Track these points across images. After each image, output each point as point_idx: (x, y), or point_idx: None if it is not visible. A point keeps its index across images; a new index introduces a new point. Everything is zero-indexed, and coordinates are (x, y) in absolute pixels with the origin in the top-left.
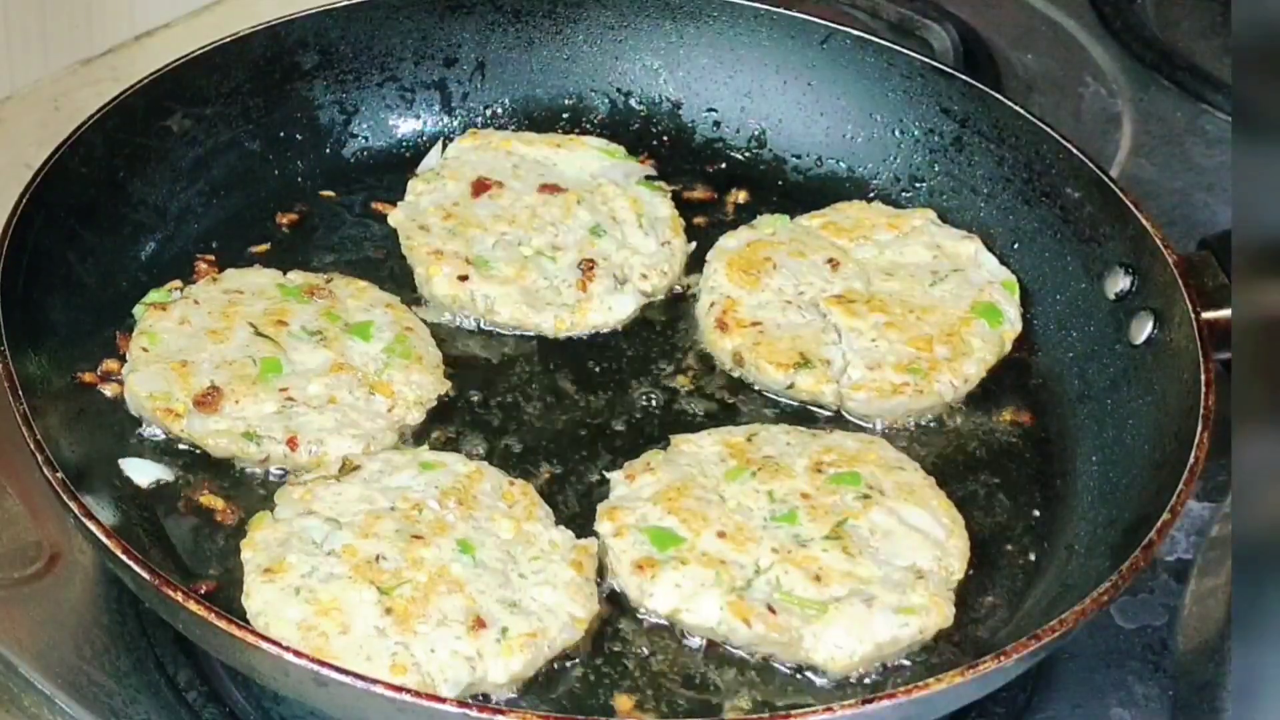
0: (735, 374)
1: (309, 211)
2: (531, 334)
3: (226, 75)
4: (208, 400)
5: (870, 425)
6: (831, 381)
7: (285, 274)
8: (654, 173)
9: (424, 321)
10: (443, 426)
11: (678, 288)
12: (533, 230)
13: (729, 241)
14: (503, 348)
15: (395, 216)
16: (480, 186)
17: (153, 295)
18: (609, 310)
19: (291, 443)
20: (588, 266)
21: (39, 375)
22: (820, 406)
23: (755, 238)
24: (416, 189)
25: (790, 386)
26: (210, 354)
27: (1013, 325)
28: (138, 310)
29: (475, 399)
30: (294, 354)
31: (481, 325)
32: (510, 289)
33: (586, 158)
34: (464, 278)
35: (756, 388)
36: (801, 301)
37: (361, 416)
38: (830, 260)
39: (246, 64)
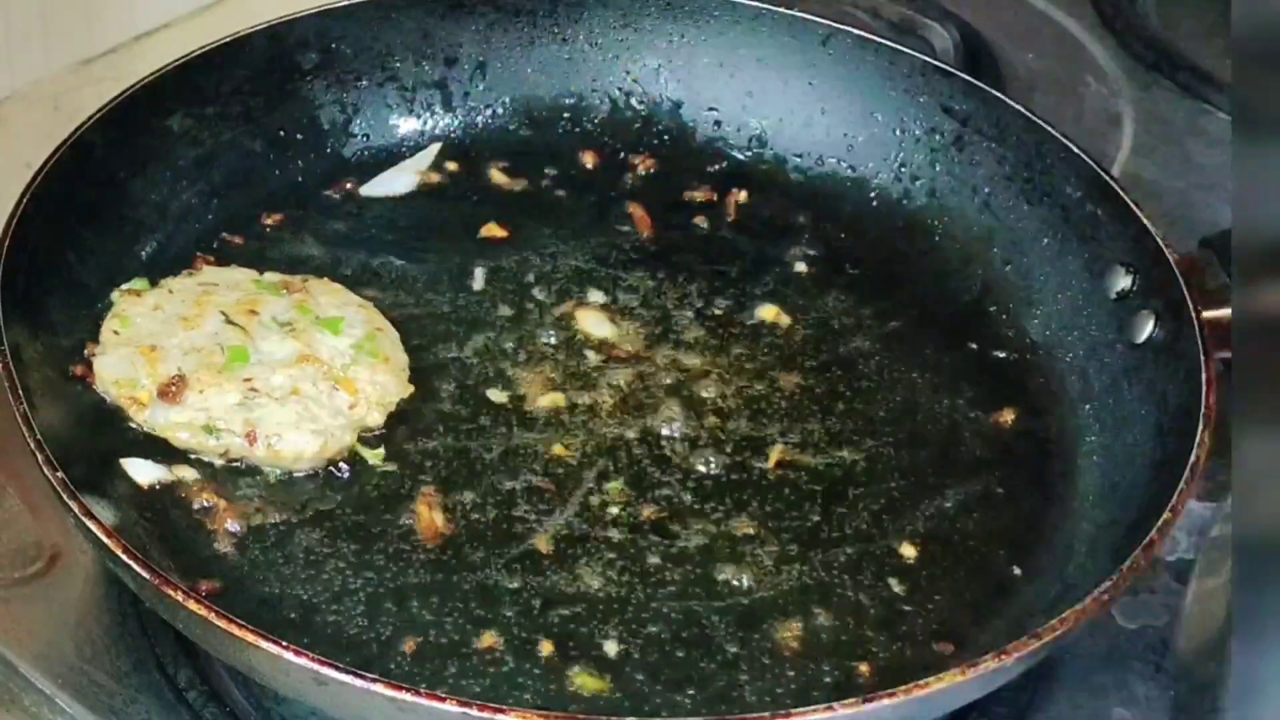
0: None
1: (309, 211)
2: None
3: (226, 75)
4: (171, 390)
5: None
6: None
7: (262, 274)
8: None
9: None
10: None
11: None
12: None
13: None
14: None
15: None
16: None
17: (132, 284)
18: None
19: (250, 436)
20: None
21: (39, 375)
22: None
23: None
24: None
25: None
26: (180, 340)
27: None
28: (114, 295)
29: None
30: (262, 343)
31: None
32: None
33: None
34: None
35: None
36: None
37: (323, 411)
38: None
39: (246, 64)
